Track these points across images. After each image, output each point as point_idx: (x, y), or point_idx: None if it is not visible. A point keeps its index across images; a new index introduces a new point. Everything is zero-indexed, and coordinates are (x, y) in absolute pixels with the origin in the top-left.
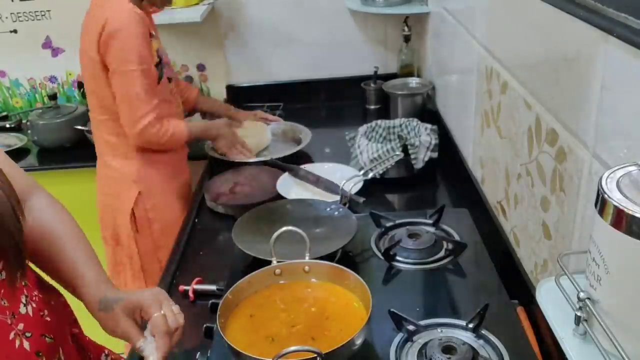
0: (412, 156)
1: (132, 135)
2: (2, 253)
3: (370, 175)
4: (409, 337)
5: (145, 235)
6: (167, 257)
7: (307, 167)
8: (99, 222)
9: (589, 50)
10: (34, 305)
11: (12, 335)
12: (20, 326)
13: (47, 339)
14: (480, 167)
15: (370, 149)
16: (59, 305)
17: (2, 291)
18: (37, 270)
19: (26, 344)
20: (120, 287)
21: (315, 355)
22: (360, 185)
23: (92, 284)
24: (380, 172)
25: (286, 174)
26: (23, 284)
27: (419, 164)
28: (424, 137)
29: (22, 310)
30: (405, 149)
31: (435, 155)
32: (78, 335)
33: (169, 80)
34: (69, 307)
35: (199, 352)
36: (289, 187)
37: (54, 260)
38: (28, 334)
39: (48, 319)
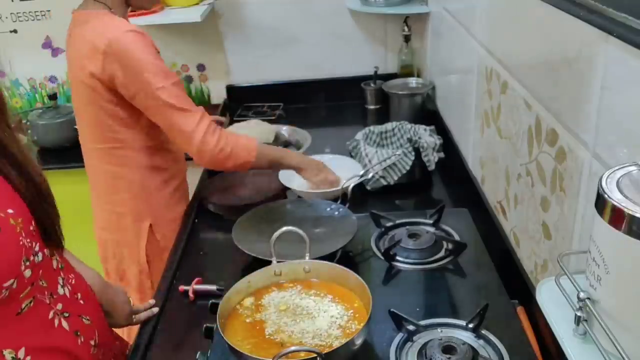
0: (425, 158)
1: (195, 153)
2: (45, 230)
3: (384, 182)
4: (409, 337)
5: (157, 266)
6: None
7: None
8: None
9: (589, 50)
10: (70, 288)
11: (51, 315)
12: (59, 306)
13: (84, 320)
14: (480, 167)
15: (380, 156)
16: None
17: (41, 272)
18: None
19: (65, 324)
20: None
21: (315, 355)
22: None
23: None
24: (395, 178)
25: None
26: (60, 266)
27: (432, 165)
28: (427, 138)
29: (60, 291)
30: (416, 152)
31: (442, 155)
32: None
33: None
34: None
35: (199, 352)
36: (291, 177)
37: None
38: (66, 314)
39: (82, 302)
